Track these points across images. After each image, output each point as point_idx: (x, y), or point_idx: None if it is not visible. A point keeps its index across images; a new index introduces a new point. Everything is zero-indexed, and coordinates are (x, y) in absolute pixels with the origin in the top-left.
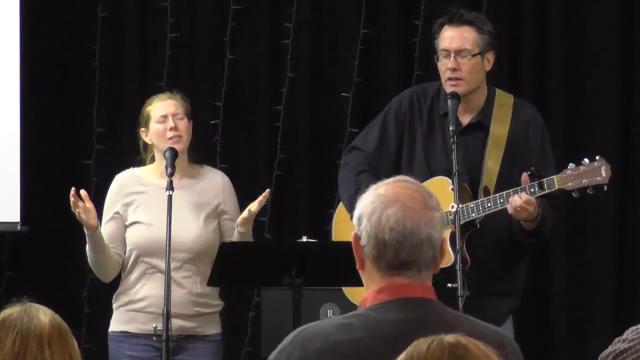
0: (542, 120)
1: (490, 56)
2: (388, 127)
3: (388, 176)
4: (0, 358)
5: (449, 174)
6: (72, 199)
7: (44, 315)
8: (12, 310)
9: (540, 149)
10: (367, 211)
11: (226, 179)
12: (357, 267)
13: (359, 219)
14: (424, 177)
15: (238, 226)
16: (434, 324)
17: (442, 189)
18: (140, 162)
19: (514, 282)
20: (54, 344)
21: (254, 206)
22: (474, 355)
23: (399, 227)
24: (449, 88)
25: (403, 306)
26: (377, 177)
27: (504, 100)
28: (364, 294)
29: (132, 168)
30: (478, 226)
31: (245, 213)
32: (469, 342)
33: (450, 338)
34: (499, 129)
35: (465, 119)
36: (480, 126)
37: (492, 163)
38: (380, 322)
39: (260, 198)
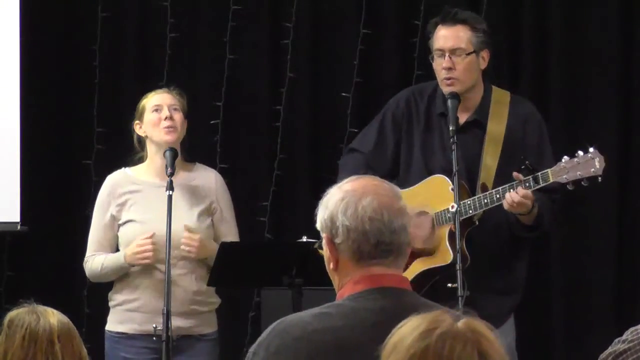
0: (540, 116)
1: (485, 54)
2: (385, 128)
3: (386, 176)
4: (10, 354)
5: (446, 172)
6: (149, 247)
7: (52, 314)
8: (19, 311)
9: (539, 145)
10: (340, 208)
11: (219, 177)
12: (331, 268)
13: (331, 219)
14: (422, 176)
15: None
16: (409, 314)
17: (440, 187)
18: (130, 162)
19: (513, 279)
20: (63, 339)
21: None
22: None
23: (378, 215)
24: (445, 88)
25: (380, 295)
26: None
27: (501, 98)
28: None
29: (123, 168)
30: (477, 223)
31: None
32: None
33: (470, 335)
34: (496, 126)
35: (462, 118)
36: (478, 124)
37: (489, 160)
38: (359, 310)
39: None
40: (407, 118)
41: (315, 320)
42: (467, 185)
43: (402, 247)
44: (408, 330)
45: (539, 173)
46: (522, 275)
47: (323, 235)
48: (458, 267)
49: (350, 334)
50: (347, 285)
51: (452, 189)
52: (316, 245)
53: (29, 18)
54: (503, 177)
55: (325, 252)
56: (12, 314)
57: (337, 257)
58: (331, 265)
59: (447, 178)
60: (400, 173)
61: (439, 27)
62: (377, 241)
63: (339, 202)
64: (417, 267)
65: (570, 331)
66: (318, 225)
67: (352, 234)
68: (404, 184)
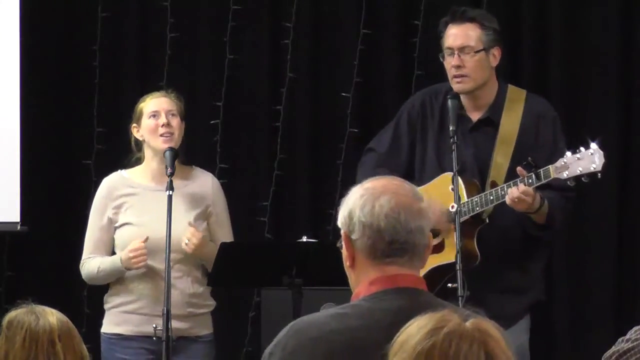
0: (555, 113)
1: (496, 52)
2: (401, 128)
3: (401, 176)
4: (11, 356)
5: (460, 171)
6: (143, 251)
7: (50, 313)
8: (18, 312)
9: (553, 143)
10: (358, 204)
11: (216, 181)
12: (348, 265)
13: (349, 215)
14: (435, 175)
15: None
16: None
17: (450, 185)
18: (127, 165)
19: (527, 278)
20: (64, 338)
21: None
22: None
23: (394, 213)
24: (454, 85)
25: (396, 295)
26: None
27: (516, 96)
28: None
29: (119, 170)
30: (487, 221)
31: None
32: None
33: (475, 332)
34: (509, 124)
35: (475, 116)
36: (490, 122)
37: (501, 158)
38: (375, 311)
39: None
40: (421, 118)
41: (332, 320)
42: (480, 183)
43: (418, 248)
44: (415, 329)
45: (541, 169)
46: (536, 275)
47: (342, 231)
48: (458, 267)
49: (367, 334)
50: (362, 285)
51: (452, 189)
52: (338, 244)
53: (29, 18)
54: (514, 176)
55: (343, 249)
56: (10, 315)
57: (353, 254)
58: (348, 263)
59: (457, 175)
60: (415, 173)
61: (449, 26)
62: (392, 239)
63: (358, 199)
64: (428, 263)
65: (571, 331)
66: (338, 222)
67: (368, 231)
68: (418, 184)
